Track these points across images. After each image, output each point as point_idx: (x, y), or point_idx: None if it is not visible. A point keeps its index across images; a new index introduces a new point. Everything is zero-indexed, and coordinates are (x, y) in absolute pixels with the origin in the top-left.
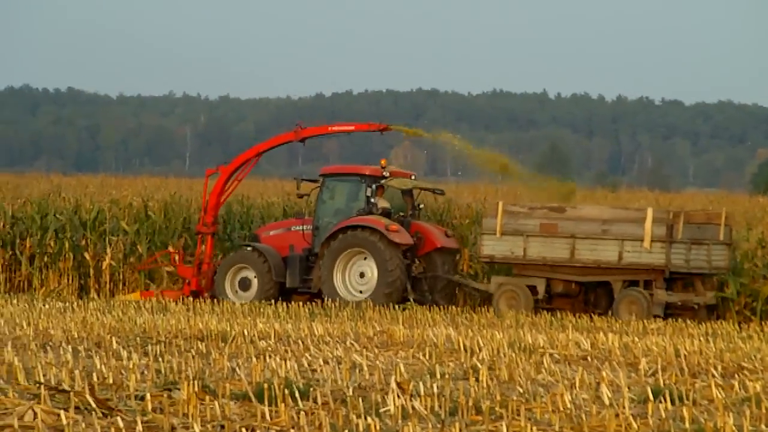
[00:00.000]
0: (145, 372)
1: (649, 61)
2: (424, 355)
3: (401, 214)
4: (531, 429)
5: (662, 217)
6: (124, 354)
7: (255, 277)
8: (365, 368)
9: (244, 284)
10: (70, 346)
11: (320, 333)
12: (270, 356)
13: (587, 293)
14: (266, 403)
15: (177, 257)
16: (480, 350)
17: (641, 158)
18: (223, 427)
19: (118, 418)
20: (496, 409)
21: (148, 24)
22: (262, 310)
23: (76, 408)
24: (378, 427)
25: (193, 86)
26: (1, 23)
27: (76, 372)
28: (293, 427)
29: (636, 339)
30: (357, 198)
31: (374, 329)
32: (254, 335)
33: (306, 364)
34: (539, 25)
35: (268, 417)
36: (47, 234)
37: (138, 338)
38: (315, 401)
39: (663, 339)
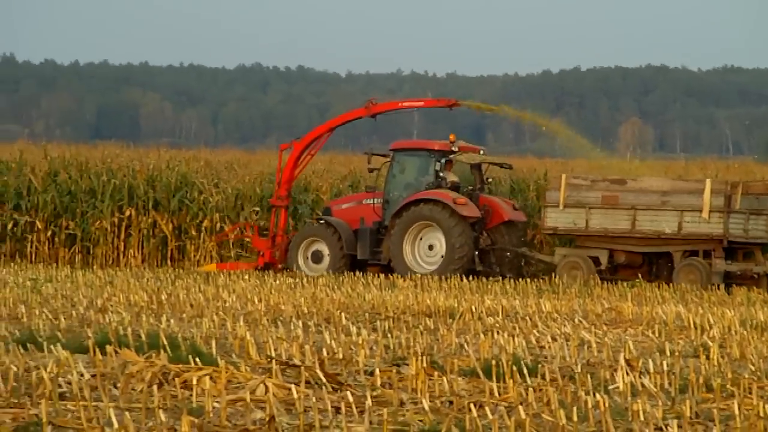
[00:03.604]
0: (374, 347)
1: None
2: (653, 333)
3: (470, 187)
4: (763, 407)
5: (720, 188)
6: (354, 330)
7: (327, 249)
8: (593, 345)
9: (317, 257)
10: (300, 322)
11: (548, 310)
12: (498, 333)
13: (650, 263)
14: (494, 379)
15: (252, 230)
16: (710, 328)
17: None
18: (451, 402)
19: (348, 393)
20: (728, 386)
21: (375, 2)
22: (489, 287)
23: (307, 382)
24: (607, 404)
25: (421, 63)
26: (235, 4)
27: (307, 347)
28: (521, 403)
29: None
30: (426, 172)
31: (602, 306)
32: (482, 312)
33: (534, 341)
34: None
35: (496, 393)
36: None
37: (367, 314)
38: (543, 378)
39: None
